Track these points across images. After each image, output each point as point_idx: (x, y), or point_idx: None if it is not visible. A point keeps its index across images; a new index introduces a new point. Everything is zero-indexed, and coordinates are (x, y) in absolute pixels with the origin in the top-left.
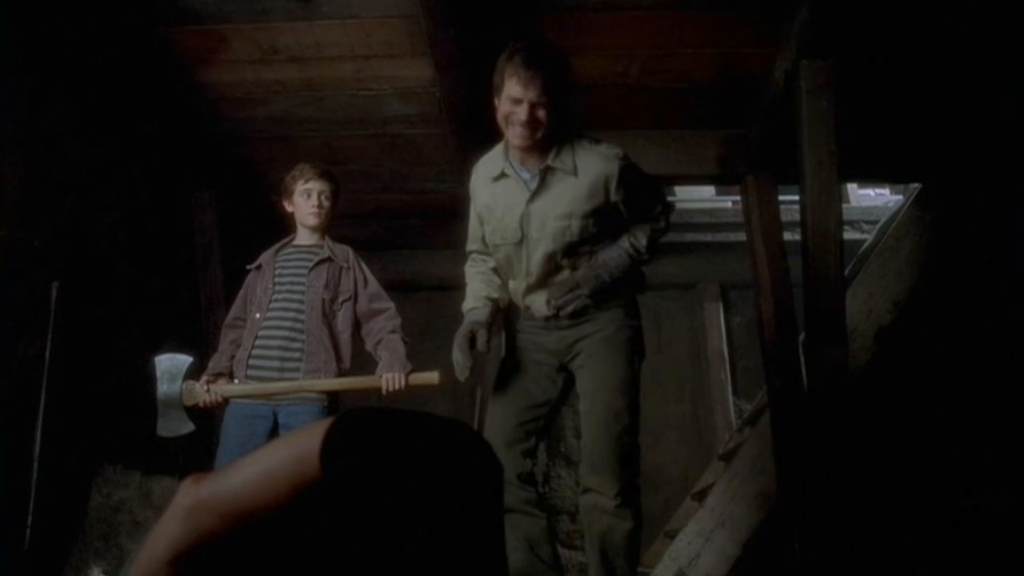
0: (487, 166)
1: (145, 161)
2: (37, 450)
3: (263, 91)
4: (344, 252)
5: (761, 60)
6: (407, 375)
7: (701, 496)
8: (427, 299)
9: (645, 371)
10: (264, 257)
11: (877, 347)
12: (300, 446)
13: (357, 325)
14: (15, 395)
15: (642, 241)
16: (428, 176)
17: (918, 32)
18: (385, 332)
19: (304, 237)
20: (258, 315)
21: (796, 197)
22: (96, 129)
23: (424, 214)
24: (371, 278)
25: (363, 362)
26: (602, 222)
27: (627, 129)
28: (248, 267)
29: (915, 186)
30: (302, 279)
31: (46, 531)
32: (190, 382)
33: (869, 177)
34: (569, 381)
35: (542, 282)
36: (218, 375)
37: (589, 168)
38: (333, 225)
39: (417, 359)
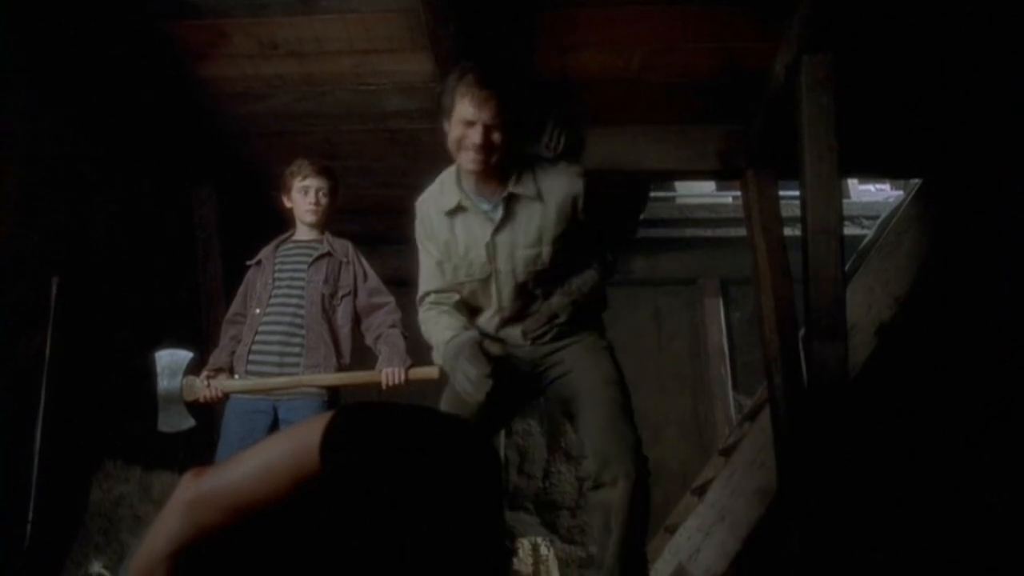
0: (438, 200)
1: (145, 156)
2: (37, 445)
3: (263, 86)
4: (344, 247)
5: (762, 55)
6: (407, 370)
7: (701, 491)
8: None
9: (646, 366)
10: (264, 252)
11: (877, 342)
12: (300, 440)
13: (357, 320)
14: (15, 390)
15: (608, 256)
16: (428, 171)
17: (919, 27)
18: (385, 327)
19: (304, 232)
20: (258, 310)
21: (796, 192)
22: (96, 125)
23: None
24: (371, 272)
25: (363, 357)
26: (572, 245)
27: (627, 124)
28: (248, 263)
29: (916, 181)
30: (302, 274)
31: (47, 526)
32: (190, 377)
33: (870, 172)
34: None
35: (516, 315)
36: (218, 370)
37: (554, 190)
38: (333, 220)
39: (416, 354)
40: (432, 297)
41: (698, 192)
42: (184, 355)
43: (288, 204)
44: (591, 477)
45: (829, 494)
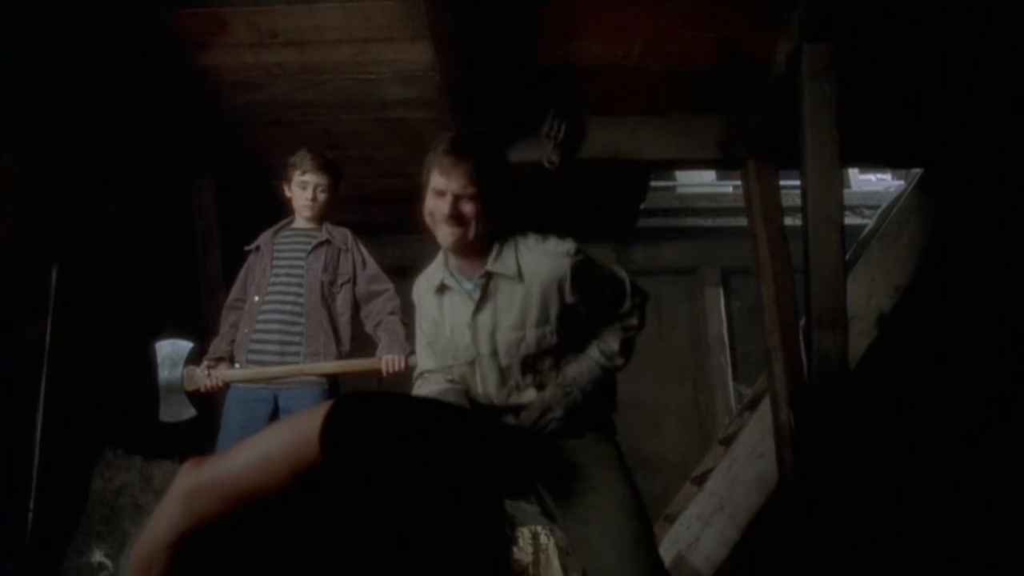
0: (428, 278)
1: (145, 146)
2: (38, 435)
3: (263, 75)
4: (343, 234)
5: (763, 44)
6: (407, 357)
7: (701, 480)
8: None
9: (646, 356)
10: (263, 238)
11: (878, 332)
12: (300, 429)
13: (356, 308)
14: (16, 379)
15: (613, 346)
16: None
17: (921, 16)
18: (384, 314)
19: (302, 221)
20: (257, 298)
21: (797, 182)
22: (95, 116)
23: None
24: (369, 260)
25: (363, 344)
26: (562, 328)
27: (627, 113)
28: (246, 248)
29: (917, 171)
30: (300, 262)
31: (48, 515)
32: (191, 367)
33: (871, 162)
34: None
35: (505, 405)
36: (219, 360)
37: (536, 271)
38: (333, 210)
39: (414, 347)
40: (425, 376)
41: (699, 182)
42: (184, 345)
43: (288, 193)
44: None
45: (828, 483)
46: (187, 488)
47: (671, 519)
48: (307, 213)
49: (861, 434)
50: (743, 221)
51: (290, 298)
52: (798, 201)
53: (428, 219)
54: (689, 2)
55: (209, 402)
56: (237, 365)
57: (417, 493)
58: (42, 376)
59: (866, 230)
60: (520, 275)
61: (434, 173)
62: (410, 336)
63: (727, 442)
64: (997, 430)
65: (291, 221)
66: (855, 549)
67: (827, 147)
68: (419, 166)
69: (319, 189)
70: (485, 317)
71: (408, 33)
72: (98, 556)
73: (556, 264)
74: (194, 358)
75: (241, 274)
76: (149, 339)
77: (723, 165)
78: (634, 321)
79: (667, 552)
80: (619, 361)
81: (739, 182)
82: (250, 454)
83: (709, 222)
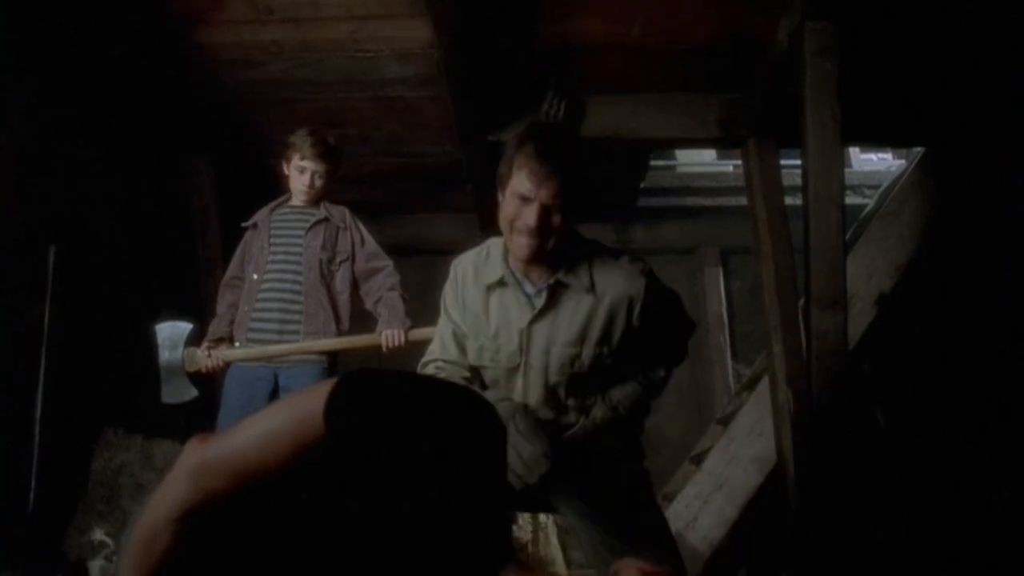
0: (478, 269)
1: (141, 126)
2: (38, 414)
3: (260, 53)
4: (341, 213)
5: (765, 22)
6: (407, 331)
7: (699, 459)
8: (425, 263)
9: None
10: (260, 215)
11: (877, 312)
12: (304, 407)
13: (355, 286)
14: (16, 360)
15: (659, 372)
16: (426, 139)
17: None
18: (384, 290)
19: (299, 200)
20: (255, 276)
21: (798, 161)
22: (91, 95)
23: (422, 177)
24: (368, 237)
25: (362, 323)
26: (619, 351)
27: (627, 92)
28: (243, 224)
29: (918, 150)
30: (299, 240)
31: (49, 494)
32: (191, 348)
33: (872, 141)
34: None
35: (545, 421)
36: (218, 340)
37: (610, 286)
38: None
39: (415, 317)
40: (439, 364)
41: (699, 161)
42: (184, 327)
43: (286, 172)
44: None
45: (826, 463)
46: (193, 464)
47: (669, 498)
48: (303, 198)
49: (861, 415)
50: (743, 200)
51: (289, 276)
52: (799, 180)
53: (504, 225)
54: None
55: (209, 381)
56: (237, 344)
57: (420, 472)
58: (42, 356)
59: (867, 209)
60: (592, 288)
61: (522, 175)
62: (410, 311)
63: (725, 422)
64: (999, 410)
65: (288, 199)
66: (855, 534)
67: (828, 126)
68: (417, 144)
69: (316, 175)
70: (543, 327)
71: (406, 10)
72: (99, 534)
73: (632, 283)
74: (194, 339)
75: (238, 251)
76: (148, 318)
77: (724, 144)
78: (680, 354)
79: None
80: (661, 390)
81: (739, 161)
82: (254, 432)
83: (709, 201)
